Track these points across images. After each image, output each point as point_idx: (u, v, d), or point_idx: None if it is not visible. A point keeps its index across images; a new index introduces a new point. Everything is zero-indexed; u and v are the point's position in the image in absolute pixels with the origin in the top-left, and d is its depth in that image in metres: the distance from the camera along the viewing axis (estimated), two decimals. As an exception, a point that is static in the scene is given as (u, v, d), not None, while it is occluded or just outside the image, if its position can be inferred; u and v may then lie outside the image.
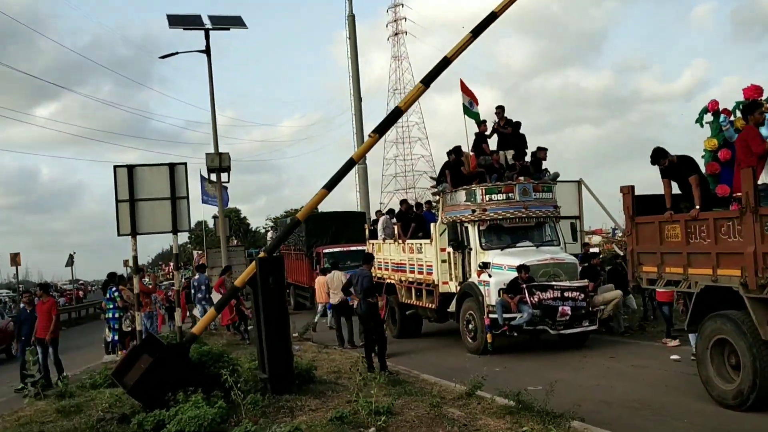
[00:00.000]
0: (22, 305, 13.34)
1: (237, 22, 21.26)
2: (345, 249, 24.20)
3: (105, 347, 15.33)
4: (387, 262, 16.21)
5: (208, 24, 20.59)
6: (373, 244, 17.09)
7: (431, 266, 13.69)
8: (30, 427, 7.94)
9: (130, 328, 13.05)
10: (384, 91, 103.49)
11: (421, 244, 14.35)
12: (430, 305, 14.15)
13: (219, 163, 20.35)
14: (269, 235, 36.90)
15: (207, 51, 20.77)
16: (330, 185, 8.89)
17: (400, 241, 15.42)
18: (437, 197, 14.19)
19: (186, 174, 13.07)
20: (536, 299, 12.11)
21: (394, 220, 16.27)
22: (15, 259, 31.64)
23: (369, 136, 9.12)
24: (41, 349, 12.61)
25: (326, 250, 23.99)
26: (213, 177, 21.06)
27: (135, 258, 12.82)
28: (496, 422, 7.15)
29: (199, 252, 72.61)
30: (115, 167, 12.71)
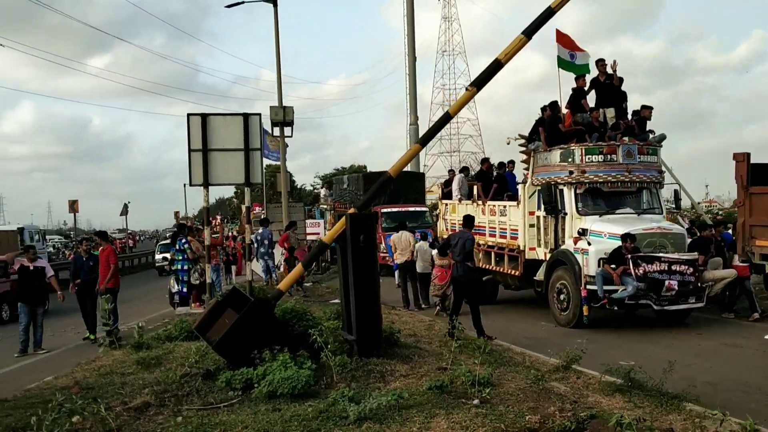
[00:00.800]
0: (78, 252, 13.12)
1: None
2: (403, 209, 23.78)
3: (169, 299, 15.21)
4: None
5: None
6: (446, 204, 16.35)
7: (516, 230, 12.90)
8: (111, 378, 7.72)
9: (198, 281, 12.81)
10: (432, 52, 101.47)
11: (505, 207, 13.51)
12: (512, 272, 13.37)
13: (283, 117, 19.95)
14: (322, 192, 36.48)
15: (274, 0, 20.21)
16: (424, 140, 8.39)
17: (480, 202, 14.60)
18: (526, 156, 13.15)
19: (260, 125, 12.70)
20: (641, 271, 11.14)
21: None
22: (73, 206, 31.93)
23: (466, 89, 8.52)
24: (100, 298, 12.31)
25: (384, 210, 23.57)
26: (276, 131, 20.68)
27: (207, 209, 12.59)
28: (607, 400, 6.66)
29: (246, 206, 73.35)
30: (188, 115, 12.43)
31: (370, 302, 7.95)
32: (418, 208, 24.21)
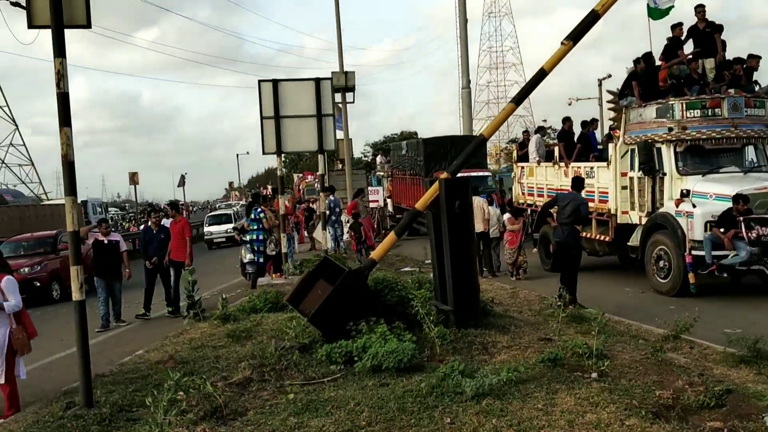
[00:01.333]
0: (149, 224, 12.90)
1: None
2: (466, 174, 23.17)
3: (241, 269, 15.14)
4: (541, 188, 14.68)
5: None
6: (522, 168, 15.74)
7: (606, 193, 12.14)
8: (204, 352, 7.57)
9: (274, 252, 12.61)
10: (478, 15, 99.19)
11: (592, 168, 12.71)
12: (601, 237, 12.60)
13: (345, 82, 19.58)
14: (378, 159, 36.11)
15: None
16: (518, 99, 7.91)
17: (562, 164, 13.83)
18: (615, 113, 12.22)
19: (332, 90, 12.35)
20: (755, 235, 10.23)
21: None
22: (134, 177, 32.26)
23: (561, 44, 7.98)
24: (174, 271, 12.22)
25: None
26: (337, 97, 20.33)
27: (281, 178, 12.34)
28: (735, 373, 6.21)
29: (299, 175, 73.26)
30: (259, 81, 12.19)
31: (466, 271, 7.60)
32: (481, 173, 23.62)
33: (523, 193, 15.42)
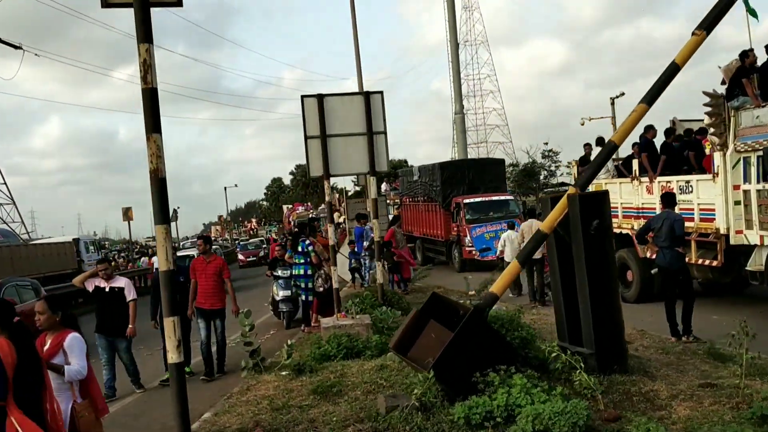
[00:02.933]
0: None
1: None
2: (487, 198, 22.07)
3: (273, 307, 13.72)
4: (615, 207, 12.68)
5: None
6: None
7: (712, 210, 10.55)
8: (292, 414, 6.16)
9: (322, 288, 11.13)
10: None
11: (688, 182, 11.13)
12: (704, 261, 10.91)
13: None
14: (383, 186, 34.76)
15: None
16: (650, 99, 6.70)
17: (644, 178, 12.11)
18: (715, 118, 10.53)
19: (383, 104, 11.09)
20: None
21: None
22: (127, 213, 30.58)
23: (694, 34, 6.83)
24: (204, 323, 9.69)
25: (467, 200, 21.86)
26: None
27: (330, 203, 10.97)
28: None
29: (289, 206, 71.59)
30: (302, 97, 10.89)
31: (609, 304, 6.32)
32: (502, 197, 22.45)
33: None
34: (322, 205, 62.83)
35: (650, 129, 12.47)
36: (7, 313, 4.12)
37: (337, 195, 58.53)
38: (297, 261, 11.17)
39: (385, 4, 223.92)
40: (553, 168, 45.17)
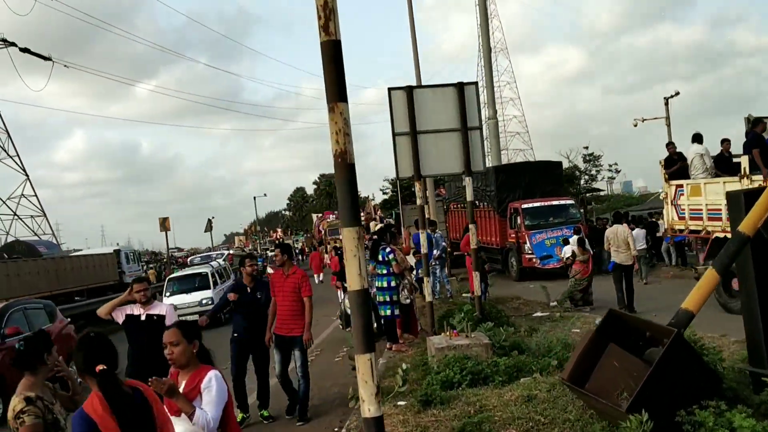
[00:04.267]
0: (238, 277, 9.35)
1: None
2: (547, 203, 20.86)
3: (343, 321, 12.68)
4: (716, 209, 11.66)
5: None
6: (678, 187, 12.90)
7: None
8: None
9: (408, 300, 10.03)
10: (472, 54, 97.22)
11: None
12: None
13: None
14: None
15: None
16: None
17: (757, 177, 10.83)
18: None
19: (478, 97, 10.02)
20: None
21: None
22: (164, 223, 29.67)
23: None
24: (279, 354, 7.98)
25: (525, 206, 20.67)
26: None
27: (422, 208, 9.90)
28: None
29: (319, 215, 70.41)
30: (389, 89, 9.89)
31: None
32: (563, 202, 21.22)
33: (682, 218, 12.83)
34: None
35: (759, 122, 11.27)
36: (94, 354, 3.10)
37: (372, 202, 57.41)
38: (379, 272, 10.04)
39: (402, 12, 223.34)
40: (593, 172, 43.76)
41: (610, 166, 44.26)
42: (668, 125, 28.82)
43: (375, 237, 10.43)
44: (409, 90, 9.74)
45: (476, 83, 9.95)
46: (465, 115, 9.71)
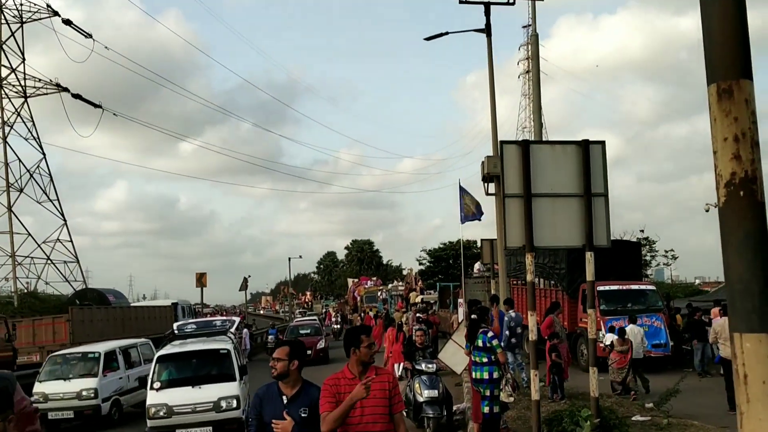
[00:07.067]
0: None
1: (519, -6, 16.86)
2: (626, 287, 19.02)
3: (413, 412, 10.89)
4: None
5: (488, -5, 16.36)
6: None
7: None
8: None
9: (512, 398, 8.27)
10: (511, 131, 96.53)
11: None
12: None
13: (502, 169, 15.75)
14: (476, 266, 31.67)
15: (487, 29, 16.53)
16: None
17: None
18: None
19: (604, 158, 8.49)
20: None
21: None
22: (201, 279, 28.37)
23: None
24: None
25: (602, 288, 18.80)
26: (491, 188, 16.48)
27: (532, 284, 8.29)
28: None
29: (354, 280, 68.54)
30: (502, 143, 8.51)
31: None
32: (643, 287, 19.38)
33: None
34: (395, 282, 59.94)
35: None
36: None
37: (413, 271, 55.64)
38: (478, 359, 8.34)
39: (441, 89, 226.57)
40: (648, 257, 41.59)
41: (666, 252, 41.98)
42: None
43: (474, 317, 8.75)
44: (524, 145, 8.27)
45: (603, 142, 8.43)
46: (589, 179, 8.18)
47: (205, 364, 12.36)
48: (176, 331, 13.86)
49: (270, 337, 29.18)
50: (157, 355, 12.44)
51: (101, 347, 15.48)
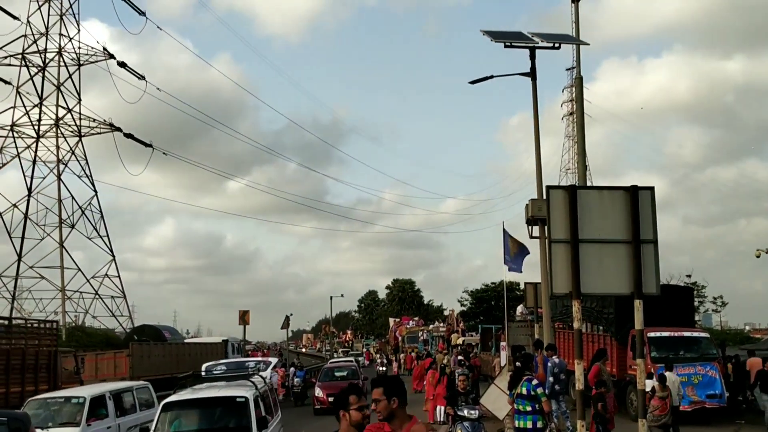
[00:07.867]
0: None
1: (566, 38, 16.96)
2: (677, 333, 18.48)
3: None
4: None
5: (536, 41, 16.44)
6: None
7: None
8: None
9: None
10: (554, 173, 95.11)
11: None
12: None
13: (548, 212, 15.61)
14: (519, 309, 31.32)
15: (532, 73, 16.56)
16: None
17: None
18: None
19: (653, 205, 8.36)
20: None
21: None
22: (244, 317, 28.63)
23: None
24: None
25: (652, 334, 18.32)
26: (535, 231, 16.34)
27: (579, 332, 8.13)
28: None
29: (396, 320, 68.13)
30: (548, 188, 8.47)
31: None
32: (696, 334, 18.81)
33: None
34: (437, 322, 59.40)
35: None
36: None
37: (455, 312, 55.10)
38: (522, 408, 8.18)
39: (484, 130, 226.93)
40: (695, 303, 40.51)
41: (715, 299, 40.82)
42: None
43: (518, 364, 8.61)
44: (572, 190, 8.22)
45: (652, 188, 8.31)
46: (638, 225, 8.05)
47: (217, 414, 10.68)
48: (203, 373, 12.64)
49: (296, 379, 25.60)
50: (162, 403, 10.81)
51: (86, 391, 13.48)
